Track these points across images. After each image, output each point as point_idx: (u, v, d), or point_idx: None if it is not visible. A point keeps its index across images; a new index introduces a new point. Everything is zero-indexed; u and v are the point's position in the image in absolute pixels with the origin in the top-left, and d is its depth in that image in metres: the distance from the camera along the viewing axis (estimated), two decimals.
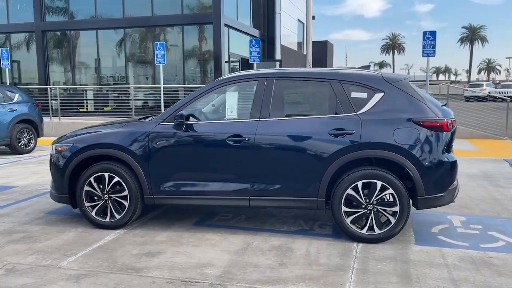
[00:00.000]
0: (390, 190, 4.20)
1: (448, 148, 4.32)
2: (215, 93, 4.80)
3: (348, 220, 4.30)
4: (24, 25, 17.30)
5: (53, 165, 4.92)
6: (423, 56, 11.01)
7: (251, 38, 16.56)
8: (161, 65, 13.09)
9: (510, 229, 4.71)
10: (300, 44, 30.34)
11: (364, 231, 4.29)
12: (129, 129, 4.73)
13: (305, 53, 32.41)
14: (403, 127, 4.22)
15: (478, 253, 4.05)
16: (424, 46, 10.95)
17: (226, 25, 15.74)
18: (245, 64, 17.15)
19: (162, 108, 13.20)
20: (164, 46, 12.88)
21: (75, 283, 3.52)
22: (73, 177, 4.81)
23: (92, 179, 4.74)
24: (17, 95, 10.80)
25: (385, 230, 4.26)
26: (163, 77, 13.61)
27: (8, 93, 10.67)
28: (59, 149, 4.88)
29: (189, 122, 4.58)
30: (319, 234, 4.57)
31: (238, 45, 17.43)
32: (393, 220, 4.24)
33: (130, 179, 4.65)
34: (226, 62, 16.77)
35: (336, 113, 4.37)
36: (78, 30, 17.34)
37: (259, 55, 12.47)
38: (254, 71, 4.80)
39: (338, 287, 3.40)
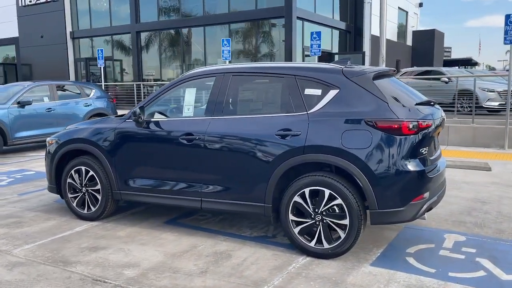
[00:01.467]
0: (339, 201, 3.68)
1: (413, 154, 3.63)
2: (184, 88, 4.67)
3: (296, 230, 3.88)
4: (122, 27, 19.00)
5: (45, 156, 5.31)
6: (505, 43, 9.39)
7: (333, 30, 15.92)
8: (227, 62, 13.30)
9: (508, 257, 3.81)
10: (402, 34, 28.40)
11: (312, 244, 3.83)
12: (101, 125, 4.87)
13: (408, 43, 30.30)
14: (353, 129, 3.66)
15: (435, 283, 3.35)
16: (506, 32, 9.33)
17: (300, 18, 15.36)
18: (325, 57, 16.56)
19: None
20: (229, 42, 13.05)
21: (8, 270, 3.75)
22: (59, 169, 5.14)
23: (73, 172, 5.00)
24: (93, 91, 11.91)
25: (334, 245, 3.75)
26: None
27: (86, 89, 11.82)
28: (50, 142, 5.24)
29: (152, 119, 4.56)
30: (276, 243, 4.21)
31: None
32: (342, 235, 3.72)
33: (102, 174, 4.80)
34: (306, 55, 16.40)
35: (287, 112, 3.96)
36: (171, 29, 18.40)
37: (320, 48, 11.92)
38: (214, 66, 4.57)
39: None
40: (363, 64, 18.06)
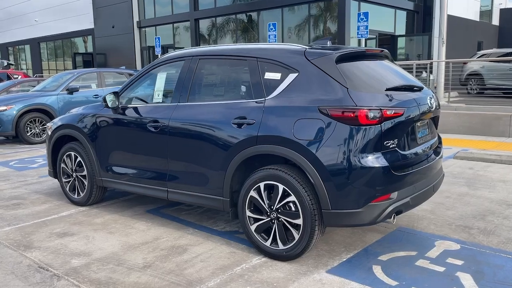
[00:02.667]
0: (293, 197, 3.28)
1: (374, 147, 3.10)
2: (157, 73, 4.48)
3: (253, 227, 3.55)
4: (182, 15, 19.34)
5: (46, 141, 5.46)
6: None
7: (397, 10, 14.79)
8: None
9: (499, 273, 3.15)
10: (487, 13, 25.81)
11: (268, 243, 3.48)
12: (86, 111, 4.86)
13: (494, 23, 27.38)
14: (306, 118, 3.21)
15: None
16: None
17: None
18: (386, 40, 15.49)
19: None
20: (276, 27, 12.64)
21: None
22: (55, 153, 5.25)
23: (65, 157, 5.08)
24: None
25: (288, 246, 3.36)
26: None
27: (129, 76, 12.20)
28: (49, 127, 5.36)
29: (127, 106, 4.45)
30: (242, 240, 3.88)
31: (377, 20, 15.79)
32: (296, 236, 3.32)
33: (87, 160, 4.80)
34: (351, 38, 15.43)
35: (247, 98, 3.61)
36: (228, 15, 18.37)
37: (367, 30, 11.04)
38: (185, 50, 4.29)
39: None
40: (430, 47, 16.62)
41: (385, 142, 3.12)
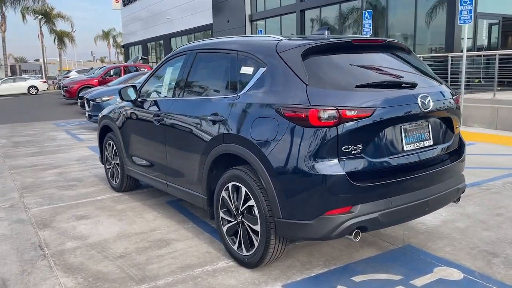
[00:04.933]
0: (252, 202, 3.04)
1: (329, 152, 2.68)
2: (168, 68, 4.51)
3: (225, 229, 3.39)
4: (288, 7, 19.25)
5: None
6: None
7: None
8: (368, 36, 12.05)
9: None
10: None
11: (235, 247, 3.30)
12: (119, 103, 5.14)
13: None
14: (263, 117, 2.93)
15: None
16: None
17: None
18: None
19: None
20: (371, 15, 11.79)
21: (3, 220, 4.43)
22: (102, 142, 5.68)
23: (106, 145, 5.48)
24: None
25: (250, 253, 3.14)
26: None
27: None
28: (99, 116, 5.81)
29: (142, 99, 4.58)
30: None
31: (500, 0, 13.68)
32: (256, 243, 3.07)
33: (118, 149, 5.10)
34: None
35: (225, 94, 3.43)
36: (333, 4, 17.76)
37: (471, 14, 9.52)
38: (189, 44, 4.20)
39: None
40: None
41: (343, 147, 2.69)
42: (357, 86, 2.83)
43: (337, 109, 2.66)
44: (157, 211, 4.62)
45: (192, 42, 4.29)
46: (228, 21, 23.71)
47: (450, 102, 3.23)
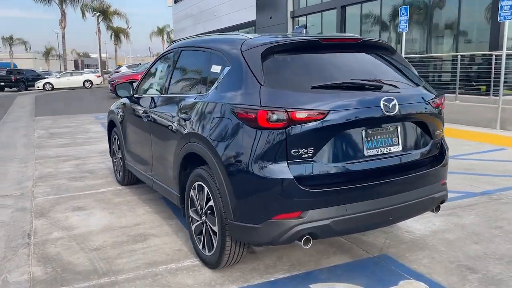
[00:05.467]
0: (211, 202, 3.01)
1: (278, 155, 2.58)
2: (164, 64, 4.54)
3: (193, 227, 3.39)
4: (329, 3, 18.87)
5: None
6: None
7: None
8: (404, 33, 11.52)
9: None
10: None
11: (200, 246, 3.28)
12: (122, 100, 5.27)
13: None
14: (221, 116, 2.88)
15: None
16: None
17: None
18: None
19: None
20: (407, 11, 11.27)
21: (8, 208, 4.67)
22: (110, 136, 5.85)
23: (113, 139, 5.64)
24: None
25: (211, 254, 3.11)
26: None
27: None
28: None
29: (136, 96, 4.66)
30: None
31: None
32: (215, 244, 3.04)
33: (121, 144, 5.24)
34: None
35: (198, 92, 3.41)
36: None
37: (511, 10, 8.82)
38: (177, 42, 4.20)
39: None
40: None
41: (292, 151, 2.58)
42: (314, 88, 2.71)
43: (286, 111, 2.57)
44: (148, 206, 4.69)
45: (182, 39, 4.31)
46: (270, 18, 23.62)
47: (426, 106, 3.02)
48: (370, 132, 2.80)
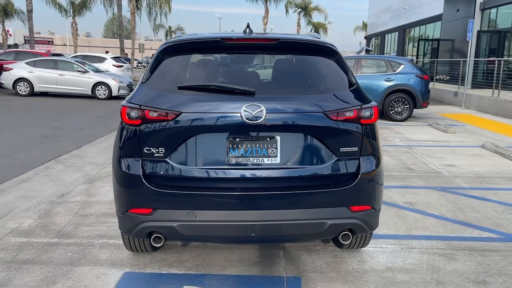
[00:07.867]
0: None
1: (132, 151, 2.67)
2: None
3: None
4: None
5: None
6: None
7: None
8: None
9: None
10: None
11: None
12: None
13: None
14: None
15: None
16: None
17: None
18: None
19: None
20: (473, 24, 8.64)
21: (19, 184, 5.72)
22: None
23: None
24: (402, 66, 11.51)
25: None
26: None
27: (393, 64, 11.62)
28: None
29: None
30: None
31: None
32: None
33: None
34: None
35: None
36: None
37: None
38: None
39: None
40: None
41: (145, 149, 2.62)
42: (180, 88, 2.67)
43: (140, 108, 2.62)
44: None
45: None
46: (457, 10, 21.01)
47: (320, 118, 2.58)
48: (238, 139, 2.60)
